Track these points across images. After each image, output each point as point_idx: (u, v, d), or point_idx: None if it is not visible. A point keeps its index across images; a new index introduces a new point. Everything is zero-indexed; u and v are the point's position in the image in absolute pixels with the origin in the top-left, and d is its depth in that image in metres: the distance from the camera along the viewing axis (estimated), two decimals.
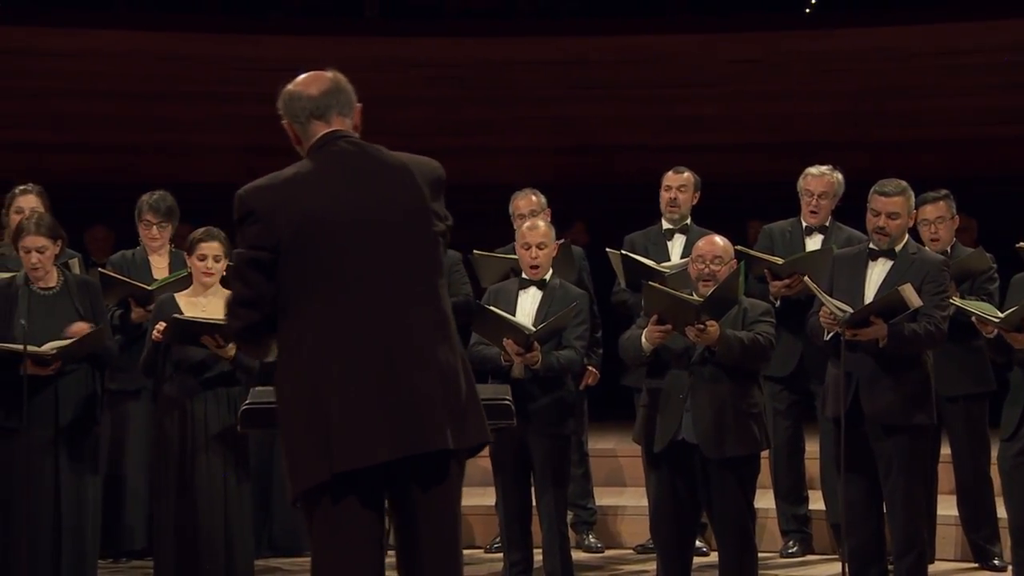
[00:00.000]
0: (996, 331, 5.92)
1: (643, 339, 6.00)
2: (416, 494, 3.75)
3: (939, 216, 6.80)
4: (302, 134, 3.87)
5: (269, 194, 3.75)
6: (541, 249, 6.49)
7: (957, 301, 6.24)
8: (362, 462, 3.66)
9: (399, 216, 3.77)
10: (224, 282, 6.49)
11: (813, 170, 7.16)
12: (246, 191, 3.77)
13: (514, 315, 6.38)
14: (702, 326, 5.83)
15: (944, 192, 6.86)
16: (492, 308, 6.33)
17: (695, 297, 5.95)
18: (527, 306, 6.46)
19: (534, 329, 6.22)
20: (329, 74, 3.90)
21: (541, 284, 6.50)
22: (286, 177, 3.78)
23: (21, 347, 5.91)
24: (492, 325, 6.28)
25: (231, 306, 3.84)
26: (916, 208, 6.41)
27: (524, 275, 6.56)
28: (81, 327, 6.10)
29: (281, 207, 3.72)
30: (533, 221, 6.69)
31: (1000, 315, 5.91)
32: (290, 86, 3.89)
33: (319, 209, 3.72)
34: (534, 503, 6.47)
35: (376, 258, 3.73)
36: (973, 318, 6.07)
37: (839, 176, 7.13)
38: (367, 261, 3.73)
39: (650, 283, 6.11)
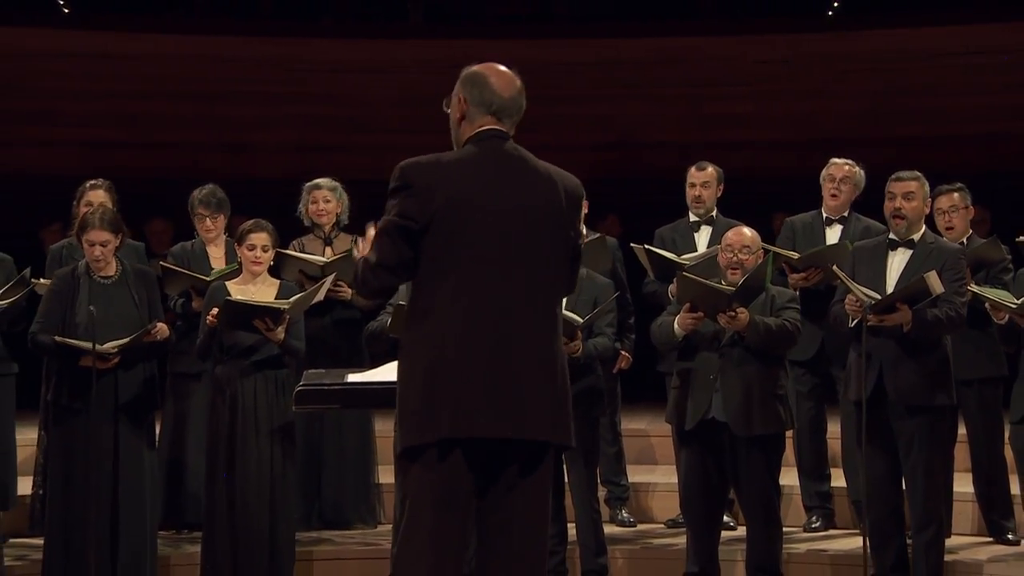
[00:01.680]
0: (1007, 318, 5.89)
1: (675, 325, 6.04)
2: (512, 481, 3.79)
3: (952, 206, 6.77)
4: (471, 118, 3.89)
5: (428, 172, 3.78)
6: None
7: (974, 288, 6.20)
8: (466, 433, 3.71)
9: (539, 218, 3.82)
10: (272, 271, 6.53)
11: (836, 160, 7.15)
12: (408, 164, 3.80)
13: None
14: (733, 313, 5.86)
15: (958, 184, 6.83)
16: None
17: (726, 286, 5.95)
18: None
19: (581, 320, 6.21)
20: (519, 82, 3.95)
21: None
22: (447, 160, 3.83)
23: (89, 344, 5.96)
24: None
25: (374, 267, 3.82)
26: (932, 199, 6.38)
27: None
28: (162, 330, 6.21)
29: (437, 186, 3.75)
30: None
31: (1016, 302, 5.87)
32: (485, 75, 3.90)
33: (470, 194, 3.77)
34: (566, 480, 6.48)
35: (511, 251, 3.78)
36: (987, 304, 6.03)
37: (860, 170, 7.11)
38: (503, 252, 3.77)
39: (684, 273, 6.12)
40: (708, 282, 5.98)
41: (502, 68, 3.94)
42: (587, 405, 6.37)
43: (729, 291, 5.89)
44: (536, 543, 3.85)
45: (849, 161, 7.12)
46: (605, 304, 6.31)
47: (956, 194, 6.79)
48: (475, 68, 3.93)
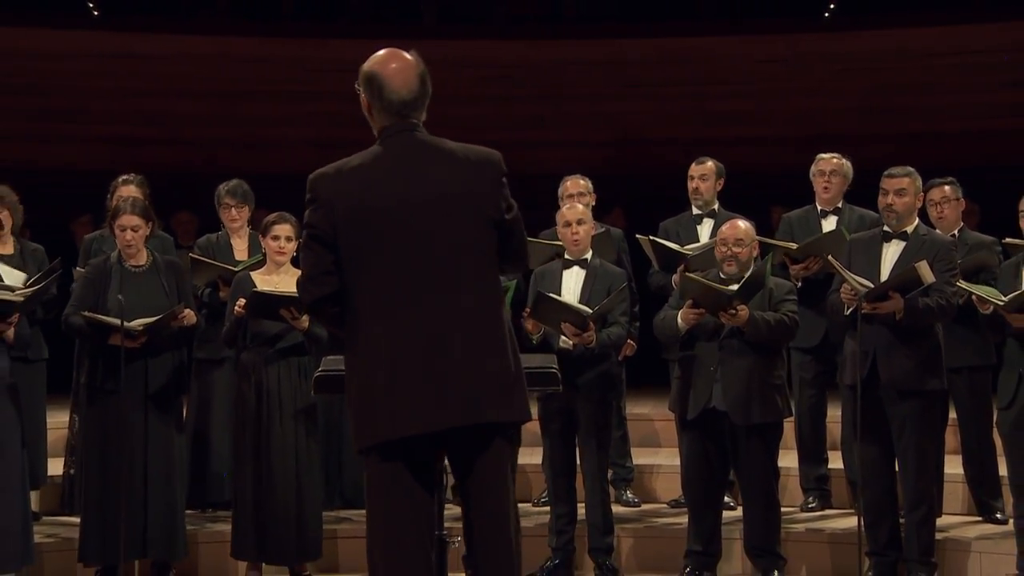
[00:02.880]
0: (991, 308, 5.94)
1: (679, 320, 6.10)
2: (468, 464, 3.76)
3: (944, 197, 6.84)
4: (375, 116, 3.77)
5: (331, 183, 3.70)
6: (581, 225, 6.55)
7: (963, 284, 6.26)
8: (400, 433, 3.66)
9: (453, 203, 3.68)
10: (295, 262, 6.61)
11: (823, 155, 7.22)
12: (314, 176, 3.73)
13: (559, 293, 6.45)
14: (733, 311, 5.93)
15: (950, 178, 6.90)
16: (553, 295, 6.35)
17: (728, 288, 6.01)
18: (571, 284, 6.51)
19: (591, 311, 6.27)
20: (420, 68, 3.76)
21: (583, 264, 6.56)
22: (352, 167, 3.72)
23: (118, 321, 6.04)
24: (553, 310, 6.29)
25: (301, 282, 3.78)
26: (924, 192, 6.44)
27: (567, 255, 6.62)
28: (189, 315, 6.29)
29: (340, 196, 3.67)
30: (571, 202, 6.80)
31: (1004, 299, 5.93)
32: (380, 78, 3.74)
33: (372, 199, 3.65)
34: (578, 461, 6.55)
35: (426, 244, 3.65)
36: (974, 297, 6.09)
37: (847, 162, 7.17)
38: (417, 248, 3.65)
39: (687, 274, 6.20)
40: (710, 283, 6.05)
41: (399, 61, 3.75)
42: (603, 390, 6.44)
43: (730, 292, 5.96)
44: (500, 519, 3.78)
45: (836, 155, 7.18)
46: (615, 294, 6.37)
47: (948, 187, 6.86)
48: (372, 67, 3.76)
